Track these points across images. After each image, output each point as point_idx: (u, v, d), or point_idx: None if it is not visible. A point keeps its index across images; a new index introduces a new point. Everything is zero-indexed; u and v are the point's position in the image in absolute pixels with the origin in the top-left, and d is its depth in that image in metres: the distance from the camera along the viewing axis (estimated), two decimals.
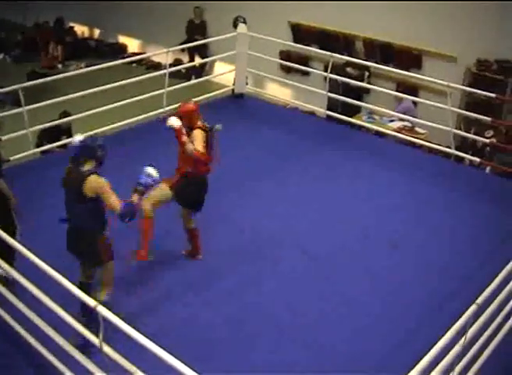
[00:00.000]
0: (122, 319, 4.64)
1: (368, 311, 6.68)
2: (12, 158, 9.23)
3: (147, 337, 4.47)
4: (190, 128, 6.84)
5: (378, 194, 8.97)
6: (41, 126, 10.37)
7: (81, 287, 5.42)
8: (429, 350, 4.36)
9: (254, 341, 6.26)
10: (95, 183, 5.64)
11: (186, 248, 7.43)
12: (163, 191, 6.88)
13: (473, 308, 4.80)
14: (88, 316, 5.39)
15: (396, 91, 11.89)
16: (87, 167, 5.73)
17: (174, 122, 6.70)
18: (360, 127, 11.54)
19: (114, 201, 5.64)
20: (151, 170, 5.91)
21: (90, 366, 5.13)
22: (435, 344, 4.45)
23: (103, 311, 4.62)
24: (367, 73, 12.36)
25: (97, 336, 4.79)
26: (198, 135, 6.82)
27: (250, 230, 8.07)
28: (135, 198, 5.78)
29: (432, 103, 10.07)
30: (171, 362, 4.23)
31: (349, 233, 8.06)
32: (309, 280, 7.16)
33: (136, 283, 6.93)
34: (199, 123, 6.93)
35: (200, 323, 6.45)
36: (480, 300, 4.91)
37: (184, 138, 6.70)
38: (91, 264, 6.07)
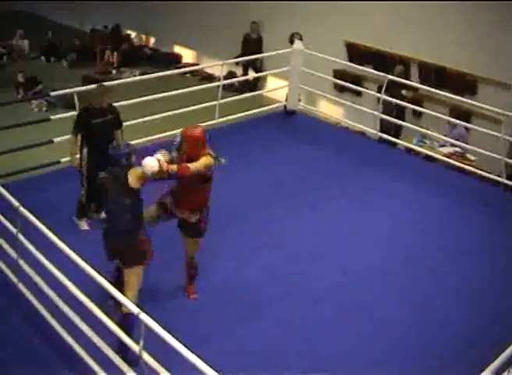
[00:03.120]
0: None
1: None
2: (62, 160, 9.34)
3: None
4: (192, 156, 6.31)
5: (423, 219, 8.90)
6: None
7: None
8: None
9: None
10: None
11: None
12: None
13: None
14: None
15: (449, 116, 11.76)
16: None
17: (150, 164, 5.91)
18: (410, 150, 11.45)
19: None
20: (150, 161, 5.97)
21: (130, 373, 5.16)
22: None
23: (145, 319, 4.64)
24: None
25: (137, 343, 4.81)
26: (205, 161, 6.28)
27: (288, 244, 8.10)
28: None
29: (485, 130, 9.95)
30: (207, 372, 4.24)
31: (389, 255, 8.03)
32: (345, 300, 7.13)
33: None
34: (206, 151, 6.37)
35: (235, 333, 6.49)
36: None
37: (169, 167, 6.07)
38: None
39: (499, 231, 8.73)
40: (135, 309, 4.75)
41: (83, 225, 8.18)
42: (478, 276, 7.70)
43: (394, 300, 7.18)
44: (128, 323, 5.42)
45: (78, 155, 7.99)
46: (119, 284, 5.84)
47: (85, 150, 7.93)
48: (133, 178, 5.93)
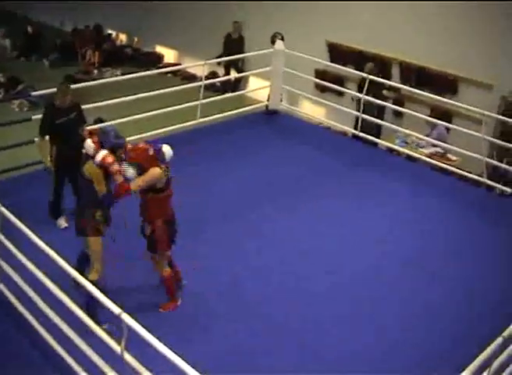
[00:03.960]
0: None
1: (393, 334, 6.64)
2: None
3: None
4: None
5: (413, 219, 8.95)
6: None
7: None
8: None
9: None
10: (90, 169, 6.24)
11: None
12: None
13: (499, 340, 4.75)
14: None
15: (429, 116, 11.80)
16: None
17: (91, 147, 6.27)
18: (392, 150, 11.50)
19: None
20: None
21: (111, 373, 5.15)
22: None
23: (127, 319, 4.63)
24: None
25: (119, 344, 4.81)
26: (152, 172, 6.30)
27: (280, 245, 8.11)
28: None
29: (466, 130, 10.01)
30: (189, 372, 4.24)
31: (382, 255, 8.06)
32: (341, 301, 7.15)
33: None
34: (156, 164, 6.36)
35: (225, 333, 6.49)
36: (506, 333, 4.85)
37: (115, 168, 6.21)
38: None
39: (485, 231, 8.78)
40: (116, 310, 4.73)
41: (62, 223, 8.17)
42: (470, 276, 7.74)
43: (391, 300, 7.20)
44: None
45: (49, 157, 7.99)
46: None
47: (54, 149, 7.93)
48: (87, 169, 6.22)
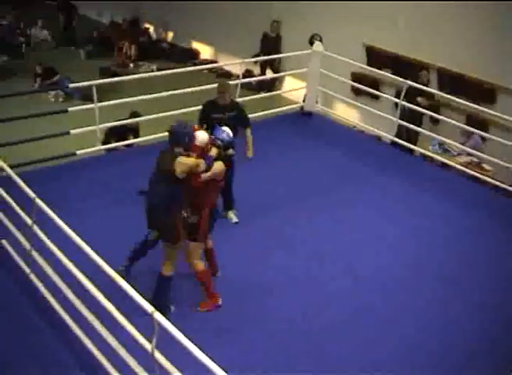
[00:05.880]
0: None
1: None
2: (78, 152, 9.37)
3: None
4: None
5: (434, 227, 8.85)
6: (111, 124, 10.48)
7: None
8: None
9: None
10: (184, 161, 6.10)
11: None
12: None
13: None
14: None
15: (466, 124, 11.68)
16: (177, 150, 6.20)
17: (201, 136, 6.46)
18: (425, 157, 11.41)
19: (198, 163, 6.20)
20: (227, 129, 6.68)
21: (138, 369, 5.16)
22: None
23: (159, 317, 4.62)
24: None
25: (150, 341, 4.80)
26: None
27: (300, 246, 8.11)
28: (214, 151, 6.43)
29: (504, 141, 9.89)
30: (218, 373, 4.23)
31: (400, 261, 8.00)
32: (355, 303, 7.12)
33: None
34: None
35: (243, 333, 6.50)
36: None
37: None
38: (164, 240, 6.48)
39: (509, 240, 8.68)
40: (149, 308, 4.73)
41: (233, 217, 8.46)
42: (488, 286, 7.65)
43: (405, 304, 7.16)
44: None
45: None
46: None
47: None
48: (178, 165, 6.09)
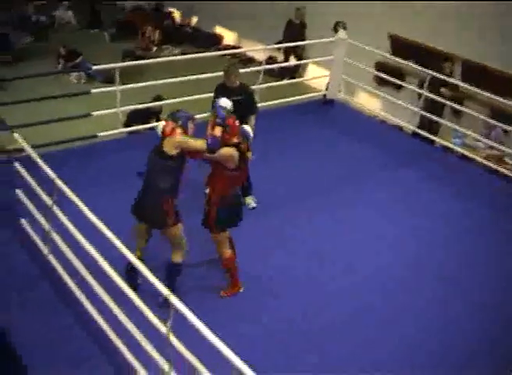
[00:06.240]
0: None
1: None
2: (99, 134, 9.39)
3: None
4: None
5: (433, 227, 8.71)
6: (133, 107, 10.49)
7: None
8: None
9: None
10: (178, 138, 6.10)
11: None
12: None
13: None
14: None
15: (489, 117, 11.57)
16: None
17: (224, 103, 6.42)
18: (447, 148, 11.32)
19: (199, 143, 6.13)
20: (223, 102, 6.37)
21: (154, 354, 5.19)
22: None
23: (175, 301, 4.64)
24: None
25: (165, 324, 4.82)
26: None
27: (305, 243, 8.06)
28: (217, 131, 6.19)
29: None
30: (232, 358, 4.29)
31: (406, 260, 7.94)
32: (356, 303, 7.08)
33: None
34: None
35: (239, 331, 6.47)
36: None
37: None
38: (156, 226, 6.40)
39: None
40: (165, 291, 4.75)
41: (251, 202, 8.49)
42: (488, 286, 7.59)
43: (405, 304, 7.12)
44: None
45: None
46: None
47: None
48: (168, 142, 6.09)
